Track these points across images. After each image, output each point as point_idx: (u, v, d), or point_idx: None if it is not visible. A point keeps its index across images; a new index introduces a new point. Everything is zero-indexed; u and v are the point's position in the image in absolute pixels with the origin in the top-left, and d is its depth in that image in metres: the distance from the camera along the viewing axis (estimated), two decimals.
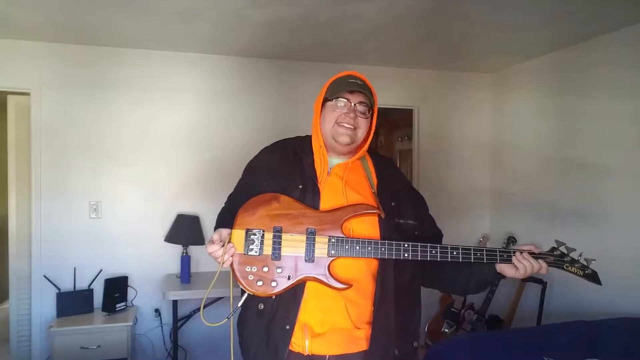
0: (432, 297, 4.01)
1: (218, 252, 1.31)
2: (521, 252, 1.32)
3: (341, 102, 1.39)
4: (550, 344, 2.25)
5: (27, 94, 3.22)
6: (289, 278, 1.30)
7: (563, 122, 3.34)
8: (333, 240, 1.30)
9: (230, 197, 1.59)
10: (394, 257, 1.29)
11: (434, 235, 1.48)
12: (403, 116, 4.45)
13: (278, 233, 1.32)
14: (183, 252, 3.25)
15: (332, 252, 1.30)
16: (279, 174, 1.41)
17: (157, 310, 3.41)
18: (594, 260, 1.34)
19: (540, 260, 1.33)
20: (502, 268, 1.33)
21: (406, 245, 1.29)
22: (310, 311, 1.33)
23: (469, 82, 4.09)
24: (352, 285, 1.30)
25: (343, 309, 1.33)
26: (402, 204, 1.41)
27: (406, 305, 1.39)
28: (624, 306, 2.81)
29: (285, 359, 1.31)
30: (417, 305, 1.45)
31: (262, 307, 1.35)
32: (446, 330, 3.72)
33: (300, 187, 1.37)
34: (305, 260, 1.30)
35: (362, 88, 1.40)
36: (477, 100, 4.12)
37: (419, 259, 1.29)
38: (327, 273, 1.30)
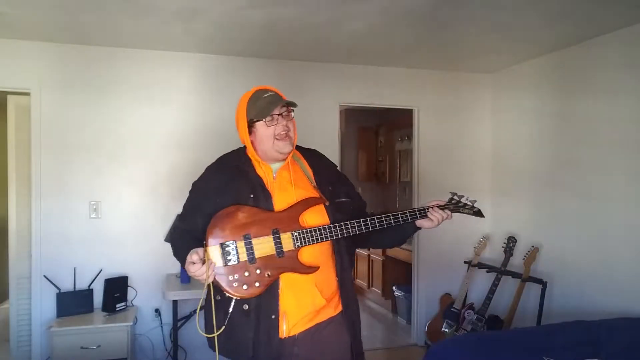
0: (432, 297, 4.02)
1: (201, 271, 1.43)
2: (432, 207, 1.58)
3: (275, 118, 1.54)
4: (550, 344, 2.24)
5: (27, 94, 3.22)
6: (268, 275, 1.48)
7: (563, 122, 3.34)
8: (295, 234, 1.50)
9: (182, 217, 1.71)
10: (344, 236, 1.53)
11: (362, 205, 1.75)
12: (403, 116, 4.46)
13: (248, 240, 1.49)
14: None
15: (297, 244, 1.50)
16: (228, 189, 1.57)
17: (157, 310, 3.41)
18: (475, 200, 1.64)
19: (446, 210, 1.59)
20: (421, 223, 1.59)
21: (348, 224, 1.53)
22: (286, 299, 1.52)
23: (469, 82, 4.09)
24: (318, 267, 1.53)
25: (314, 288, 1.55)
26: (335, 186, 1.65)
27: (350, 268, 1.67)
28: (624, 306, 2.81)
29: (277, 344, 1.51)
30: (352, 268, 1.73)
31: (247, 307, 1.51)
32: (446, 330, 3.72)
33: (252, 195, 1.54)
34: (277, 257, 1.49)
35: (278, 98, 1.56)
36: (477, 100, 4.12)
37: (363, 232, 1.53)
38: (298, 262, 1.50)
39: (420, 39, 3.17)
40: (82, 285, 3.24)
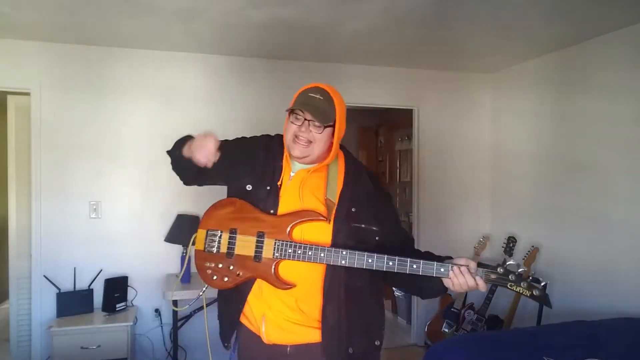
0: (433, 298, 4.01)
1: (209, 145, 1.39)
2: (459, 267, 1.33)
3: (297, 116, 1.43)
4: (550, 344, 2.24)
5: (27, 94, 3.22)
6: (238, 275, 1.43)
7: (563, 122, 3.34)
8: (278, 243, 1.40)
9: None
10: (331, 263, 1.36)
11: (401, 240, 1.51)
12: (403, 116, 4.45)
13: (233, 234, 1.44)
14: (183, 252, 3.25)
15: (276, 254, 1.40)
16: (259, 167, 1.51)
17: (157, 310, 3.41)
18: (547, 282, 1.27)
19: (477, 277, 1.33)
20: (446, 282, 1.36)
21: (344, 252, 1.35)
22: (268, 300, 1.44)
23: (469, 82, 4.09)
24: (294, 285, 1.40)
25: (294, 305, 1.43)
26: (362, 209, 1.45)
27: (361, 306, 1.46)
28: (624, 306, 2.81)
29: (239, 335, 1.51)
30: (376, 305, 1.52)
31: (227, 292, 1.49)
32: (446, 330, 3.72)
33: (268, 188, 1.46)
34: (254, 260, 1.42)
35: (315, 108, 1.40)
36: (477, 100, 4.12)
37: (355, 265, 1.35)
38: (272, 273, 1.40)
39: (421, 39, 3.16)
40: (82, 285, 3.24)
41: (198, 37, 3.14)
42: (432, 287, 1.40)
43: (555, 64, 3.42)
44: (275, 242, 1.40)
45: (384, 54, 3.55)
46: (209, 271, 1.46)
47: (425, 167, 4.00)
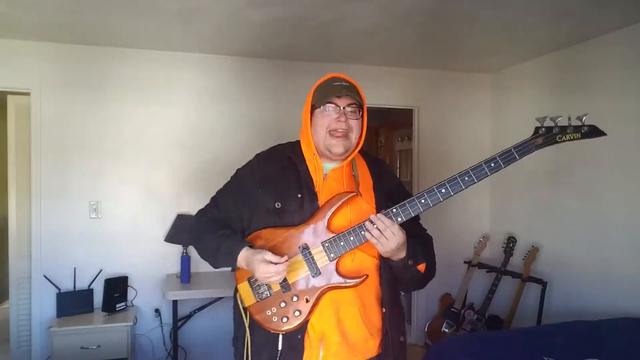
0: (432, 297, 4.02)
1: (273, 271, 1.24)
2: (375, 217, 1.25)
3: (330, 107, 1.34)
4: (550, 344, 2.25)
5: (27, 94, 3.22)
6: (307, 301, 1.28)
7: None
8: (327, 244, 1.28)
9: (216, 201, 1.50)
10: (390, 225, 1.25)
11: (421, 237, 1.49)
12: (403, 116, 4.46)
13: None
14: (183, 252, 3.25)
15: (332, 255, 1.28)
16: (275, 181, 1.38)
17: (157, 310, 3.41)
18: (586, 114, 1.21)
19: (379, 217, 1.24)
20: (378, 247, 1.27)
21: (394, 210, 1.25)
22: (326, 321, 1.30)
23: (469, 82, 4.09)
24: (367, 275, 1.29)
25: (357, 315, 1.31)
26: (395, 201, 1.37)
27: (396, 301, 1.42)
28: (624, 306, 2.81)
29: None
30: (399, 298, 1.46)
31: (300, 336, 1.30)
32: (446, 330, 3.72)
33: (299, 195, 1.34)
34: (313, 276, 1.29)
35: (348, 90, 1.35)
36: (477, 100, 4.12)
37: (417, 212, 1.27)
38: (338, 276, 1.28)
39: (421, 39, 3.16)
40: (82, 285, 3.24)
41: (198, 37, 3.14)
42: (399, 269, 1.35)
43: (555, 64, 3.42)
44: (323, 245, 1.28)
45: (384, 54, 3.55)
46: (276, 318, 1.28)
47: (425, 167, 4.00)
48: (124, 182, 3.37)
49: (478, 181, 1.24)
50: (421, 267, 1.35)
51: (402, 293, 1.54)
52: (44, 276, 3.19)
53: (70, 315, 3.10)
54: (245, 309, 1.35)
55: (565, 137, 1.24)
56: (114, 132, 3.35)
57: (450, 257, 4.00)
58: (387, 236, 1.23)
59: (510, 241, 3.65)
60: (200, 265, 3.45)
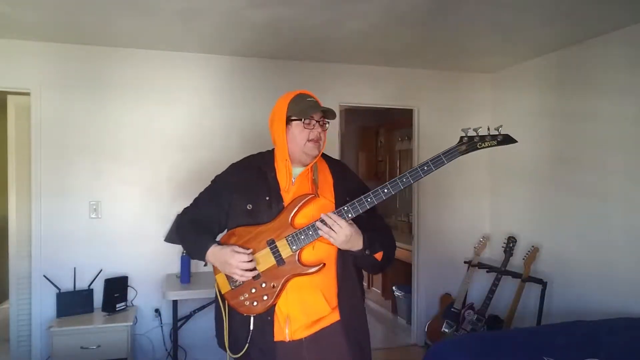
0: (432, 297, 4.02)
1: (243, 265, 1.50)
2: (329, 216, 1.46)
3: (313, 122, 1.57)
4: (550, 344, 2.24)
5: (27, 94, 3.22)
6: (274, 286, 1.51)
7: (563, 122, 3.34)
8: (290, 238, 1.50)
9: (197, 204, 1.74)
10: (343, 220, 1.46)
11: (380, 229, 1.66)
12: (403, 116, 4.46)
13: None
14: (183, 252, 3.25)
15: (294, 247, 1.50)
16: (247, 188, 1.61)
17: (157, 310, 3.41)
18: (501, 125, 1.42)
19: (338, 220, 1.44)
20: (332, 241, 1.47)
21: (345, 207, 1.46)
22: (292, 303, 1.53)
23: (469, 82, 4.09)
24: (324, 263, 1.51)
25: (321, 297, 1.54)
26: (354, 198, 1.54)
27: (350, 277, 1.62)
28: (624, 306, 2.81)
29: (272, 345, 1.52)
30: (354, 275, 1.65)
31: (270, 318, 1.54)
32: (446, 330, 3.72)
33: (267, 198, 1.56)
34: (279, 266, 1.51)
35: (318, 106, 1.59)
36: (477, 100, 4.12)
37: (365, 209, 1.46)
38: (299, 265, 1.50)
39: (421, 39, 3.16)
40: (82, 285, 3.24)
41: (198, 37, 3.14)
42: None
43: (555, 64, 3.42)
44: (287, 239, 1.50)
45: (384, 54, 3.55)
46: (247, 302, 1.53)
47: None
48: (124, 182, 3.37)
49: (414, 182, 1.45)
50: (378, 255, 1.56)
51: (365, 272, 1.76)
52: (44, 276, 3.19)
53: (70, 315, 3.10)
54: (222, 295, 1.60)
55: (485, 144, 1.43)
56: (114, 132, 3.35)
57: (450, 257, 4.01)
58: (336, 230, 1.43)
59: (510, 241, 3.65)
60: (200, 265, 3.45)
